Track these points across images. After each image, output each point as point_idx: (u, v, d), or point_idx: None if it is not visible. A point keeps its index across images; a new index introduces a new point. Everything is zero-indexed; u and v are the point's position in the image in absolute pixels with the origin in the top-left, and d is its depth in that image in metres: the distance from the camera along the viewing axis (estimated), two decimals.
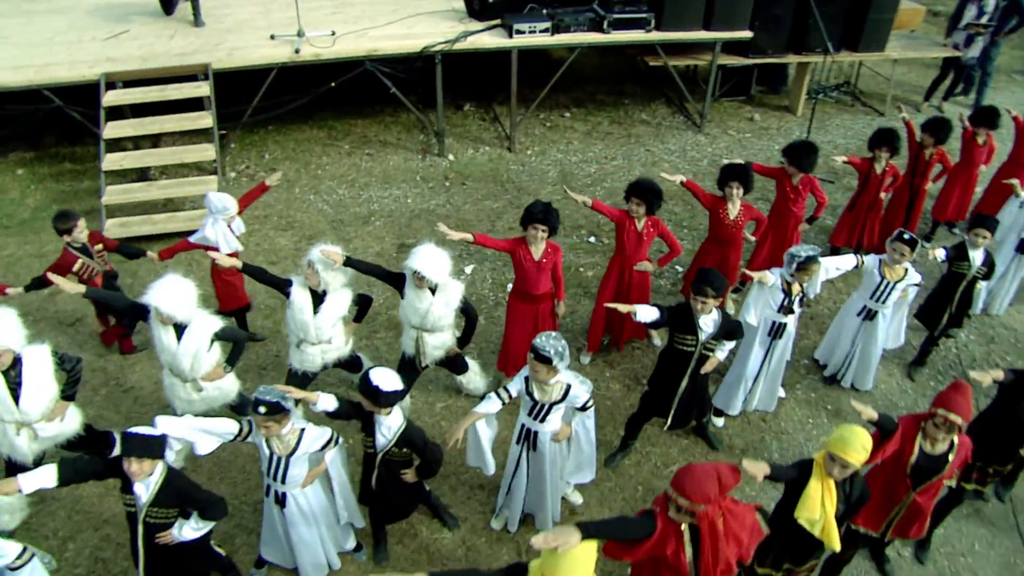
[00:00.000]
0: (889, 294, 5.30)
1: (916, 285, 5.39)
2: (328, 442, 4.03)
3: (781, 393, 5.69)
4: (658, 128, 9.56)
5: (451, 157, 8.78)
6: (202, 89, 7.37)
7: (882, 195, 6.62)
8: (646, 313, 4.37)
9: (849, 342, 5.61)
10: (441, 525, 4.77)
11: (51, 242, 7.20)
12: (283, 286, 4.72)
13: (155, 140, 8.24)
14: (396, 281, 4.79)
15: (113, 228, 6.89)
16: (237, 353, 4.61)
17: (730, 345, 4.75)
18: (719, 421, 5.52)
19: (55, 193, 7.86)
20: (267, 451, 3.89)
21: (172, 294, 4.25)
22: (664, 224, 5.48)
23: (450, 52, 8.08)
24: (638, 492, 5.03)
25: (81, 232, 5.26)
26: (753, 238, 5.97)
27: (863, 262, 5.28)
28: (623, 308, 4.37)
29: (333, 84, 8.03)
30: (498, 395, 4.17)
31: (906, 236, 5.12)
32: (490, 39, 8.23)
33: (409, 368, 5.04)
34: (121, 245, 5.60)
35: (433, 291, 4.72)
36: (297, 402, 3.83)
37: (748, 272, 4.93)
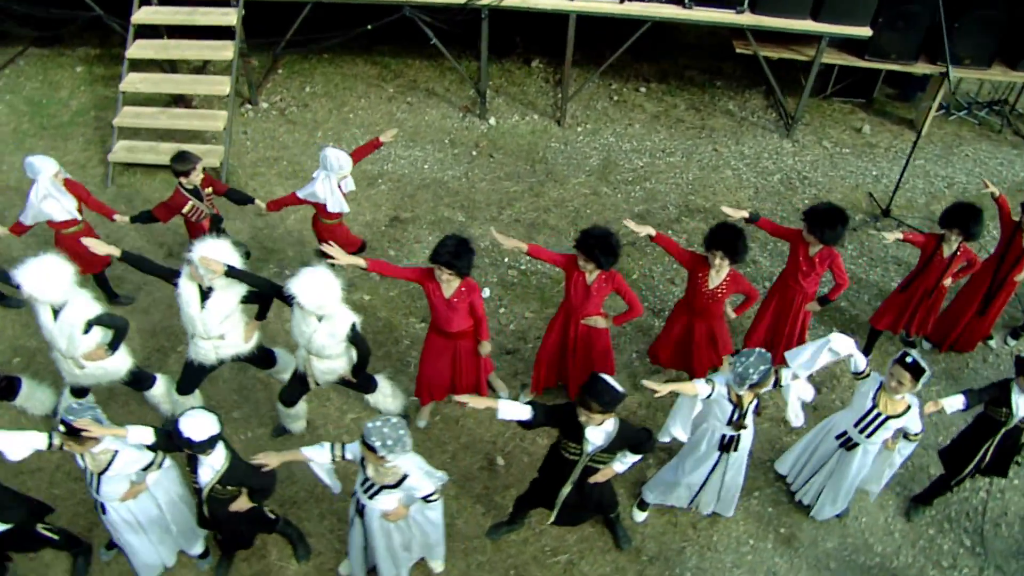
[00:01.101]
0: (876, 429, 4.20)
1: (910, 439, 4.26)
2: (151, 464, 3.86)
3: None
4: (741, 124, 8.20)
5: (492, 121, 8.02)
6: (229, 17, 7.05)
7: (946, 282, 5.26)
8: (510, 411, 3.67)
9: (818, 464, 4.58)
10: (292, 553, 4.55)
11: (73, 152, 7.38)
12: (170, 277, 4.44)
13: (202, 66, 8.15)
14: (285, 297, 4.37)
15: (120, 151, 6.90)
16: (119, 338, 4.46)
17: (634, 458, 3.97)
18: (640, 516, 4.79)
19: (99, 99, 7.99)
20: (81, 464, 3.77)
21: (40, 277, 4.09)
22: (622, 279, 4.60)
23: (499, 8, 7.19)
24: None
25: (197, 175, 5.23)
26: (734, 315, 4.88)
27: (868, 374, 4.20)
28: (479, 404, 3.65)
29: (370, 27, 7.44)
30: (331, 449, 3.78)
31: (909, 360, 3.94)
32: None
33: (300, 383, 4.71)
34: (230, 191, 5.55)
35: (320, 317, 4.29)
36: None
37: (650, 384, 3.92)
